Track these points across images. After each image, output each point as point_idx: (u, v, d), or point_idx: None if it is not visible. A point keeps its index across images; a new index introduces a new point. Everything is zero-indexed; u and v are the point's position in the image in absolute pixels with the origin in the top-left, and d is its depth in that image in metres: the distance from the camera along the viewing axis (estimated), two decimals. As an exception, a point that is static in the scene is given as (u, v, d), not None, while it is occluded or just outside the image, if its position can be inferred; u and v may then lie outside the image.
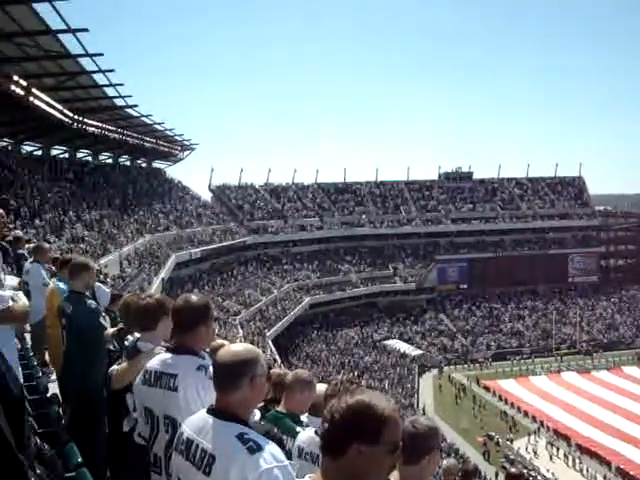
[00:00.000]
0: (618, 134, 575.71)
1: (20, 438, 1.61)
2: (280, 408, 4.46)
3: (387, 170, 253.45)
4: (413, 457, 2.87)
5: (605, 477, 38.72)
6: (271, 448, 2.44)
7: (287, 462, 2.44)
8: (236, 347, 2.73)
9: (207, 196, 77.83)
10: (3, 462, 1.50)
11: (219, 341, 6.10)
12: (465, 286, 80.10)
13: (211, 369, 3.16)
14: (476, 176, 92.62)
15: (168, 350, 3.57)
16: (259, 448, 2.40)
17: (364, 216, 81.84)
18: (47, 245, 10.75)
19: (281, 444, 3.64)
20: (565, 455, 42.51)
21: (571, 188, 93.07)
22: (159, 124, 50.16)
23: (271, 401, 4.81)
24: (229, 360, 2.64)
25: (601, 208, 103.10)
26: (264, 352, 41.93)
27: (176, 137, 59.69)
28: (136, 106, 40.91)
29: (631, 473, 38.51)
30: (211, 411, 2.66)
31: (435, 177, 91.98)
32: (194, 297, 3.55)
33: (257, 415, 3.99)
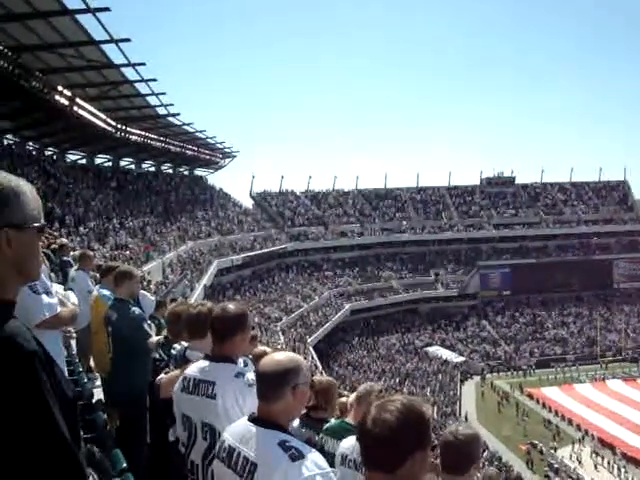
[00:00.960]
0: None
1: (77, 440, 1.77)
2: (348, 419, 4.55)
3: (428, 175, 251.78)
4: (458, 467, 2.94)
5: (651, 486, 38.04)
6: (313, 456, 2.47)
7: (329, 469, 2.48)
8: (279, 356, 2.77)
9: (248, 203, 78.48)
10: (66, 462, 1.66)
11: (261, 348, 6.24)
12: (508, 292, 79.28)
13: (249, 376, 3.33)
14: (518, 181, 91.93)
15: (206, 358, 3.62)
16: (301, 455, 2.43)
17: (405, 222, 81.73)
18: (91, 253, 11.02)
19: (323, 451, 3.68)
20: (610, 464, 41.82)
21: (615, 193, 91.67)
22: (200, 132, 50.78)
23: (313, 408, 4.82)
24: (272, 369, 2.67)
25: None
26: (305, 358, 41.99)
27: (217, 145, 60.36)
28: (178, 115, 41.52)
29: (677, 482, 37.81)
30: (253, 419, 2.70)
31: (477, 182, 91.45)
32: (231, 306, 3.61)
33: (296, 422, 4.08)
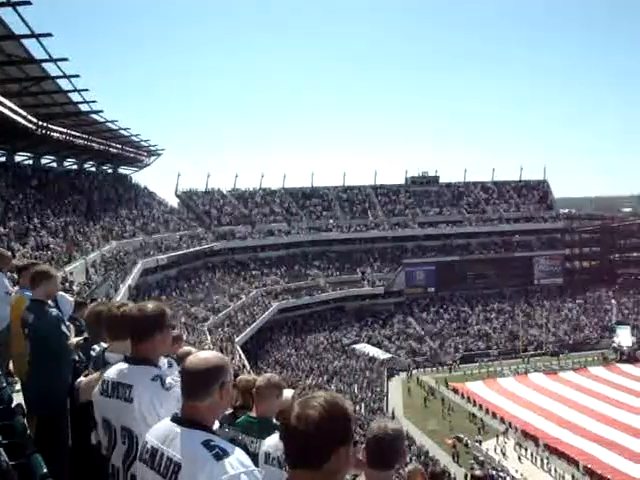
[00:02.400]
0: (581, 138, 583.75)
1: None
2: (252, 414, 4.46)
3: (354, 174, 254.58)
4: (384, 462, 2.90)
5: (573, 476, 39.00)
6: (237, 454, 2.46)
7: (254, 467, 2.47)
8: (205, 354, 2.74)
9: (174, 202, 77.26)
10: None
11: (186, 348, 6.04)
12: (432, 289, 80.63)
13: (168, 379, 3.26)
14: (442, 180, 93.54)
15: (125, 360, 3.51)
16: (226, 454, 2.42)
17: (332, 221, 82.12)
18: (9, 253, 10.53)
19: (246, 450, 3.61)
20: (533, 455, 42.84)
21: (536, 191, 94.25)
22: (125, 129, 49.63)
23: (241, 408, 4.80)
24: (200, 367, 2.65)
25: (565, 211, 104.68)
26: (233, 358, 41.80)
27: (142, 143, 59.12)
28: (101, 112, 40.40)
29: (598, 472, 38.89)
30: (176, 419, 2.67)
31: (402, 181, 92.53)
32: (149, 305, 3.49)
33: (216, 425, 3.95)
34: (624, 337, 69.04)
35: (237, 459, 2.42)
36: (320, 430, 2.10)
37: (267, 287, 68.83)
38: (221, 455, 2.40)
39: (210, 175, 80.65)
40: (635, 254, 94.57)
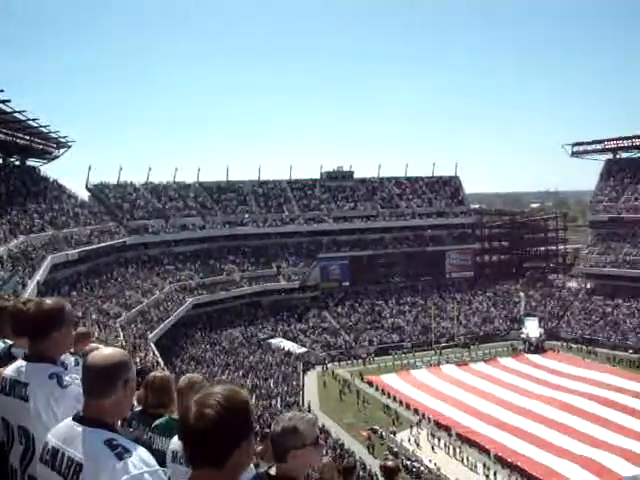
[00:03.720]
0: (491, 135, 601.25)
1: None
2: (174, 415, 4.39)
3: (269, 169, 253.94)
4: (279, 455, 2.82)
5: (485, 465, 39.96)
6: (141, 453, 2.40)
7: (158, 467, 2.41)
8: (108, 350, 2.68)
9: (84, 195, 74.91)
10: None
11: (94, 345, 5.82)
12: (347, 283, 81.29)
13: (66, 377, 3.13)
14: (357, 175, 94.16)
15: (24, 357, 3.36)
16: (128, 453, 2.35)
17: (247, 215, 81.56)
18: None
19: (151, 449, 3.49)
20: (446, 445, 43.74)
21: (447, 187, 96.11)
22: (33, 120, 48.04)
23: (156, 406, 4.67)
24: (103, 364, 2.58)
25: (476, 206, 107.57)
26: (146, 355, 41.00)
27: (51, 134, 57.32)
28: (8, 101, 39.07)
29: (509, 460, 40.08)
30: (78, 418, 2.59)
31: (317, 176, 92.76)
32: (48, 301, 3.35)
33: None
34: (532, 328, 71.33)
35: (140, 458, 2.35)
36: (220, 428, 2.06)
37: (181, 282, 67.85)
38: (123, 454, 2.33)
39: (122, 168, 78.33)
40: (542, 248, 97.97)
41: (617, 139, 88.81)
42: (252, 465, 3.42)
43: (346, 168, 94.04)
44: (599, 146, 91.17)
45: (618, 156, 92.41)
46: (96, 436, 2.45)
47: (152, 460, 2.40)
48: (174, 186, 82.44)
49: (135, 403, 5.01)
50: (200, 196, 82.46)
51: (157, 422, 4.41)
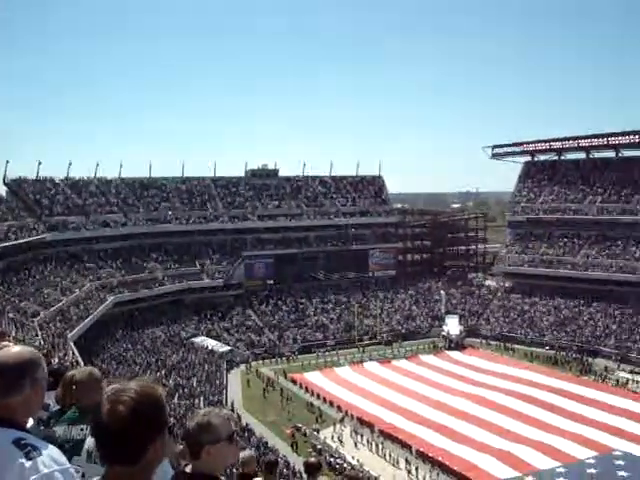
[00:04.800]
0: (414, 136, 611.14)
1: None
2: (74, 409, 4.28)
3: (193, 165, 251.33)
4: (194, 451, 2.80)
5: (407, 460, 40.61)
6: (51, 451, 2.31)
7: (69, 465, 2.35)
8: (17, 348, 2.61)
9: (1, 190, 72.39)
10: None
11: (4, 343, 5.68)
12: (271, 282, 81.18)
13: None
14: (282, 174, 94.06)
15: None
16: (37, 452, 2.26)
17: (170, 212, 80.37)
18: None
19: (62, 448, 3.26)
20: (369, 442, 44.18)
21: (371, 187, 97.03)
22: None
23: (71, 404, 4.50)
24: (10, 362, 2.48)
25: (399, 206, 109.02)
26: (65, 354, 39.99)
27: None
28: None
29: (430, 455, 40.87)
30: None
31: (242, 174, 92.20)
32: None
33: (30, 422, 3.74)
34: (452, 326, 72.76)
35: (50, 457, 2.27)
36: (134, 425, 2.03)
37: (102, 280, 66.40)
38: (33, 453, 2.24)
39: (42, 163, 75.85)
40: (463, 248, 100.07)
41: (535, 142, 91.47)
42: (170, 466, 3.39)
43: (271, 166, 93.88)
44: (518, 148, 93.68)
45: (536, 158, 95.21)
46: (4, 436, 2.35)
47: (63, 458, 2.33)
48: (95, 182, 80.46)
49: (52, 403, 4.89)
50: (122, 192, 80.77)
51: (64, 416, 4.28)
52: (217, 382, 56.39)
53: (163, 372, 54.79)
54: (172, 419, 37.32)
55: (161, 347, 62.41)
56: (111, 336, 60.87)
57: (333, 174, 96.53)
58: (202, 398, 50.14)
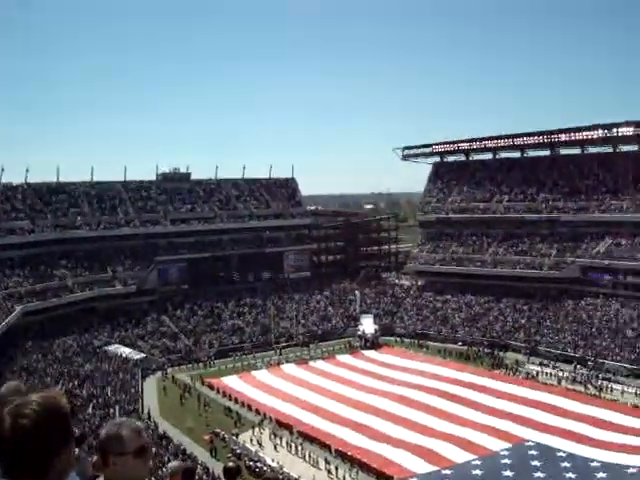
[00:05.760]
0: (327, 138, 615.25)
1: None
2: None
3: (103, 170, 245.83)
4: (103, 461, 2.69)
5: (326, 460, 40.91)
6: None
7: None
8: None
9: None
10: None
11: None
12: (186, 286, 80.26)
13: None
14: (194, 177, 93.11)
15: None
16: None
17: (80, 218, 78.32)
18: None
19: None
20: (288, 443, 44.25)
21: (285, 189, 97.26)
22: None
23: None
24: None
25: (312, 208, 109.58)
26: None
27: None
28: None
29: (349, 453, 41.31)
30: None
31: (153, 177, 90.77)
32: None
33: None
34: (367, 325, 73.68)
35: None
36: (38, 438, 1.98)
37: (9, 289, 64.25)
38: None
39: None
40: (376, 248, 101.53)
41: (444, 143, 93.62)
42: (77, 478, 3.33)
43: (183, 170, 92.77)
44: (427, 150, 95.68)
45: (445, 159, 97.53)
46: None
47: None
48: (0, 188, 77.66)
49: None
50: (29, 198, 78.14)
51: None
52: (132, 390, 55.24)
53: (76, 382, 53.32)
54: (87, 430, 36.49)
55: (73, 357, 60.71)
56: (20, 347, 58.87)
57: (246, 177, 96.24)
58: (117, 407, 48.99)
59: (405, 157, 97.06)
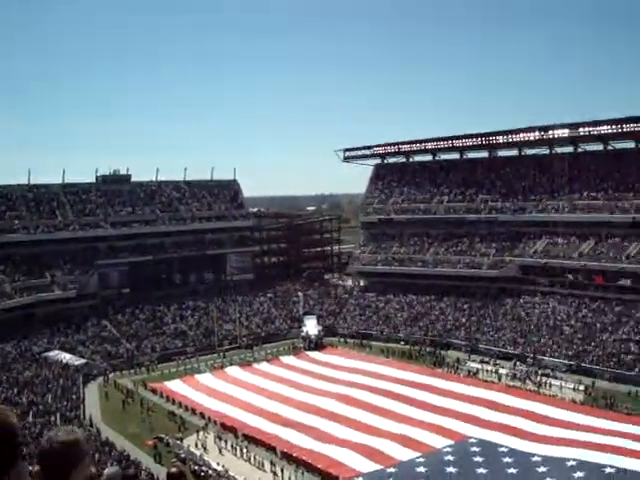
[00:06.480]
0: (269, 139, 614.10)
1: None
2: None
3: (40, 173, 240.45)
4: (58, 474, 2.54)
5: (272, 462, 41.00)
6: None
7: None
8: None
9: None
10: None
11: None
12: (127, 290, 79.34)
13: None
14: (134, 179, 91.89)
15: None
16: None
17: (17, 221, 76.61)
18: None
19: None
20: (233, 446, 44.18)
21: (227, 191, 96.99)
22: None
23: None
24: None
25: (255, 209, 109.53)
26: None
27: None
28: None
29: (294, 455, 41.52)
30: None
31: (92, 180, 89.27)
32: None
33: None
34: (311, 326, 74.11)
35: None
36: None
37: (-58, 297, 62.51)
38: None
39: None
40: (318, 249, 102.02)
41: (384, 145, 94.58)
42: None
43: (123, 171, 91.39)
44: (368, 152, 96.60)
45: (386, 161, 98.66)
46: None
47: None
48: None
49: None
50: (-37, 202, 76.18)
51: None
52: (74, 397, 54.34)
53: (15, 390, 52.29)
54: (27, 438, 35.91)
55: (12, 363, 59.46)
56: (-45, 356, 57.45)
57: (188, 179, 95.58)
58: (58, 415, 48.23)
59: (346, 159, 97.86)
